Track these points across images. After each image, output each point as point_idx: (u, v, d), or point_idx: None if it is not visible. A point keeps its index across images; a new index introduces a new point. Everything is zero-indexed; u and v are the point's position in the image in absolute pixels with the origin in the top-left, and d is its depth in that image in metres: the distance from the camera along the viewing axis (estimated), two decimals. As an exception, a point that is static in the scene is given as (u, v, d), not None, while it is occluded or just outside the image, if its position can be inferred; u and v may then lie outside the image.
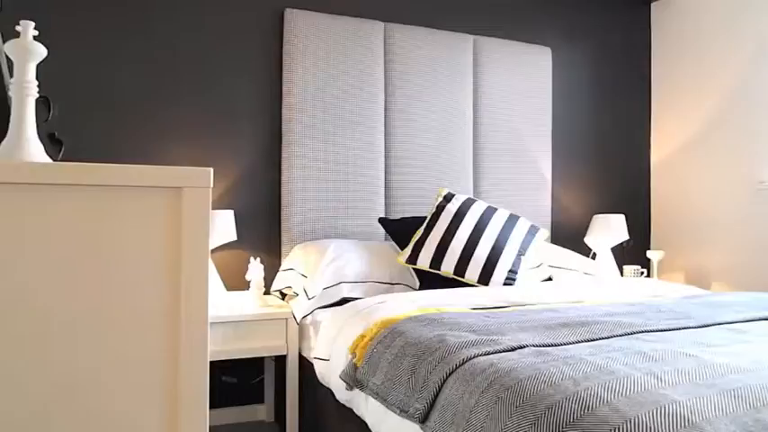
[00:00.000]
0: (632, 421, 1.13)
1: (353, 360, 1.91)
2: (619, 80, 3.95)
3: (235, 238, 2.73)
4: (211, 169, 0.96)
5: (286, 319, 2.53)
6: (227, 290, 2.82)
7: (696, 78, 3.74)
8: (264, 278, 2.77)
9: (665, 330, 1.82)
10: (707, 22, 3.67)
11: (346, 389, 1.94)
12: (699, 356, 1.49)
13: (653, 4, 4.04)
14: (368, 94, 3.08)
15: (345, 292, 2.54)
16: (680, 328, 1.85)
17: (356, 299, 2.44)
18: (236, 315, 2.44)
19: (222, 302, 2.59)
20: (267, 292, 2.91)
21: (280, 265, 2.94)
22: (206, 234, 0.96)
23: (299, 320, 2.50)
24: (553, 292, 2.46)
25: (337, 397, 2.06)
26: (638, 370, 1.36)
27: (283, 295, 2.86)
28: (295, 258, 2.76)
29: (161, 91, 2.79)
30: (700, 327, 1.89)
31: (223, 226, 2.66)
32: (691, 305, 2.16)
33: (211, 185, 0.97)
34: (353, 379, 1.87)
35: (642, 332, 1.78)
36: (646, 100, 4.05)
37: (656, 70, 4.02)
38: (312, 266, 2.60)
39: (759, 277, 3.34)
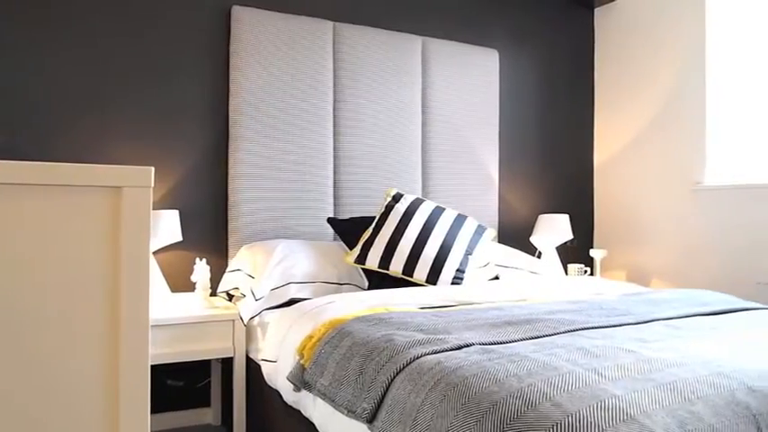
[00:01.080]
0: (573, 416, 1.15)
1: (301, 361, 1.90)
2: (564, 83, 4.04)
3: (180, 238, 2.67)
4: (152, 168, 0.93)
5: (233, 320, 2.49)
6: (172, 291, 2.76)
7: (636, 83, 3.85)
8: (211, 279, 2.72)
9: (606, 327, 1.87)
10: (646, 28, 3.79)
11: (294, 390, 1.93)
12: (637, 352, 1.54)
13: (596, 10, 4.15)
14: (317, 93, 3.07)
15: (293, 292, 2.52)
16: (620, 325, 1.90)
17: (304, 299, 2.43)
18: (181, 317, 2.39)
19: (167, 304, 2.54)
20: (213, 294, 2.87)
21: (226, 265, 2.90)
22: (146, 234, 0.94)
23: (246, 322, 2.47)
24: (499, 290, 2.50)
25: (285, 399, 2.04)
26: (579, 366, 1.40)
27: (230, 296, 2.82)
28: (242, 259, 2.73)
29: (102, 90, 2.71)
30: (639, 323, 1.95)
31: (168, 226, 2.60)
32: (630, 302, 2.22)
33: (152, 185, 0.94)
34: (301, 380, 1.86)
35: (584, 329, 1.82)
36: (589, 102, 4.16)
37: (599, 74, 4.14)
38: (260, 267, 2.57)
39: (695, 274, 3.47)
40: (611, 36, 4.04)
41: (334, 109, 3.14)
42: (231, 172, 2.90)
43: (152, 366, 2.44)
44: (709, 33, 3.41)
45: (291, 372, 1.92)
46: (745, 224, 3.21)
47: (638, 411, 1.19)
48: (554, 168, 4.00)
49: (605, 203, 4.08)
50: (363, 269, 2.70)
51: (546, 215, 3.64)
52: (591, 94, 4.16)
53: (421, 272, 2.64)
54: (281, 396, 2.09)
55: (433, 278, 2.64)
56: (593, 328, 1.85)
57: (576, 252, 3.99)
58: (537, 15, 3.93)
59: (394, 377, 1.52)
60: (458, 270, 2.70)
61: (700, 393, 1.29)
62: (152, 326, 2.30)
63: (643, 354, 1.52)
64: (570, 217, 3.93)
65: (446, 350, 1.57)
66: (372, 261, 2.65)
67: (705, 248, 3.41)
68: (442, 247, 2.70)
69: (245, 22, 2.91)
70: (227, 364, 2.73)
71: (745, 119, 3.38)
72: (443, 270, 2.66)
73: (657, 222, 3.70)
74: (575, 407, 1.18)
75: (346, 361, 1.70)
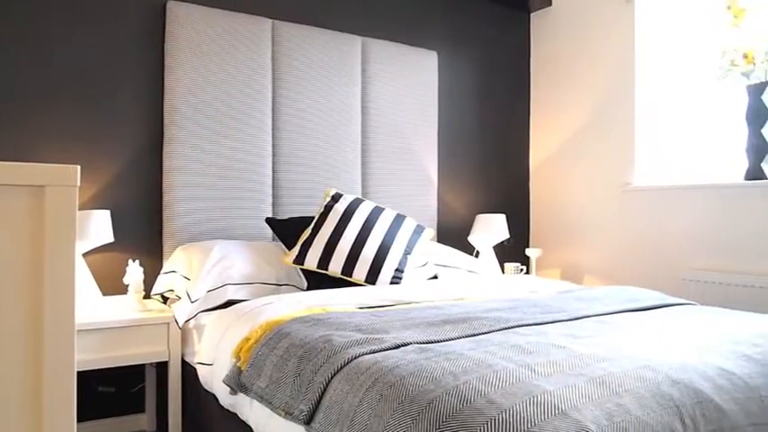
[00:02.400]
0: (507, 412, 1.18)
1: (237, 364, 1.87)
2: (501, 85, 4.12)
3: (111, 239, 2.59)
4: (78, 166, 0.90)
5: (167, 323, 2.43)
6: (104, 294, 2.67)
7: (569, 87, 3.97)
8: (145, 282, 2.65)
9: (539, 324, 1.91)
10: (579, 34, 3.90)
11: (230, 393, 1.90)
12: (569, 348, 1.58)
13: (533, 14, 4.25)
14: (255, 92, 3.02)
15: (230, 294, 2.48)
16: (553, 322, 1.96)
17: (242, 301, 2.39)
18: (112, 321, 2.32)
19: (97, 308, 2.45)
20: (147, 296, 2.79)
21: (161, 267, 2.82)
22: (72, 235, 0.90)
23: (181, 325, 2.41)
24: (438, 289, 2.52)
25: (221, 402, 2.01)
26: (513, 362, 1.43)
27: (165, 299, 2.75)
28: (178, 260, 2.67)
29: (30, 88, 2.60)
30: (571, 319, 2.01)
31: (98, 227, 2.52)
32: (563, 300, 2.29)
33: (78, 184, 0.91)
34: (237, 383, 1.83)
35: (519, 326, 1.86)
36: (526, 105, 4.25)
37: (535, 77, 4.24)
38: (195, 268, 2.52)
39: (625, 271, 3.59)
40: (547, 40, 4.14)
41: (273, 108, 3.10)
42: (166, 171, 2.83)
43: (82, 372, 2.35)
44: (638, 40, 3.54)
45: (228, 375, 1.89)
46: (671, 223, 3.35)
47: (569, 406, 1.22)
48: (491, 169, 4.08)
49: (541, 204, 4.18)
50: (302, 270, 2.68)
51: (483, 215, 3.70)
52: (527, 96, 4.26)
53: (360, 272, 2.64)
54: (217, 400, 2.05)
55: (372, 278, 2.65)
56: (527, 325, 1.89)
57: (513, 251, 4.08)
58: (476, 18, 3.99)
59: (331, 378, 1.51)
60: (397, 270, 2.71)
61: (627, 386, 1.34)
62: (82, 330, 2.22)
63: (574, 349, 1.57)
64: (507, 217, 4.00)
65: (383, 350, 1.58)
66: (311, 261, 2.63)
67: (634, 247, 3.54)
68: (381, 246, 2.71)
69: (181, 19, 2.84)
70: (161, 368, 2.66)
71: (672, 123, 3.53)
72: (382, 270, 2.67)
73: (590, 222, 3.82)
74: (508, 403, 1.21)
75: (283, 362, 1.68)
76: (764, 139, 2.93)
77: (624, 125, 3.61)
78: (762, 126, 2.93)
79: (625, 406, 1.27)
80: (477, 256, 3.73)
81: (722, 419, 1.37)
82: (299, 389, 1.58)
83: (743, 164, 3.04)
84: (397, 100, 3.52)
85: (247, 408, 1.83)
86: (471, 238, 3.70)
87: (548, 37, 4.13)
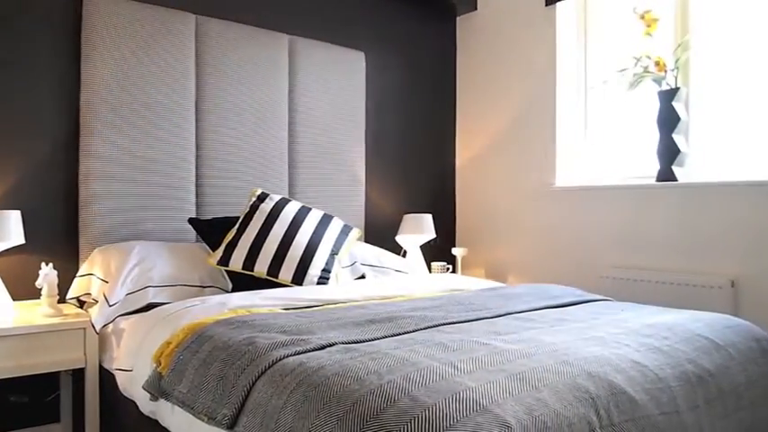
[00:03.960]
0: (430, 410, 1.19)
1: (158, 369, 1.81)
2: (428, 86, 4.17)
3: (22, 241, 2.46)
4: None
5: (84, 328, 2.33)
6: (14, 299, 2.53)
7: (494, 89, 4.06)
8: (59, 285, 2.53)
9: (463, 322, 1.95)
10: (503, 38, 4.00)
11: (150, 400, 1.84)
12: (491, 344, 1.62)
13: (458, 18, 4.32)
14: (177, 88, 2.94)
15: (151, 296, 2.40)
16: (477, 319, 2.00)
17: (163, 304, 2.32)
18: (24, 327, 2.20)
19: (7, 313, 2.32)
20: (63, 301, 2.66)
21: (77, 270, 2.70)
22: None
23: (98, 329, 2.32)
24: (365, 289, 2.53)
25: (141, 409, 1.95)
26: (437, 360, 1.45)
27: (81, 303, 2.63)
28: (95, 262, 2.56)
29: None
30: (494, 317, 2.05)
31: (7, 228, 2.38)
32: (487, 297, 2.34)
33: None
34: (158, 389, 1.78)
35: (443, 324, 1.89)
36: (451, 106, 4.32)
37: (461, 79, 4.31)
38: (114, 271, 2.43)
39: (547, 269, 3.71)
40: (472, 44, 4.23)
41: (196, 105, 3.03)
42: (83, 170, 2.71)
43: (-11, 382, 2.23)
44: (559, 44, 3.66)
45: (148, 380, 1.84)
46: (590, 223, 3.48)
47: (490, 401, 1.25)
48: (418, 169, 4.12)
49: (466, 203, 4.26)
50: (227, 271, 2.63)
51: (410, 215, 3.74)
52: (453, 97, 4.33)
53: (286, 272, 2.61)
54: (137, 407, 1.98)
55: (298, 279, 2.63)
56: (451, 323, 1.92)
57: (439, 250, 4.14)
58: (403, 20, 4.03)
59: (255, 381, 1.49)
60: (323, 270, 2.70)
61: (546, 381, 1.38)
62: (-12, 338, 2.10)
63: (497, 346, 1.61)
64: (433, 216, 4.05)
65: (309, 351, 1.57)
66: (236, 262, 2.59)
67: (556, 245, 3.66)
68: (307, 247, 2.69)
69: (99, 11, 2.73)
70: (78, 375, 2.55)
71: (591, 126, 3.67)
72: (309, 270, 2.65)
73: (513, 221, 3.92)
74: (431, 400, 1.22)
75: (206, 366, 1.65)
76: (675, 143, 3.08)
77: (546, 127, 3.72)
78: (672, 130, 3.09)
79: (544, 400, 1.31)
80: (404, 255, 3.77)
81: (634, 410, 1.44)
82: (222, 393, 1.55)
83: (655, 166, 3.19)
84: (324, 99, 3.50)
85: (169, 414, 1.78)
86: (399, 238, 3.73)
87: (473, 40, 4.22)
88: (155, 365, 1.85)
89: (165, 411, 1.80)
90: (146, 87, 2.85)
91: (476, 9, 4.17)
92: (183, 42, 2.96)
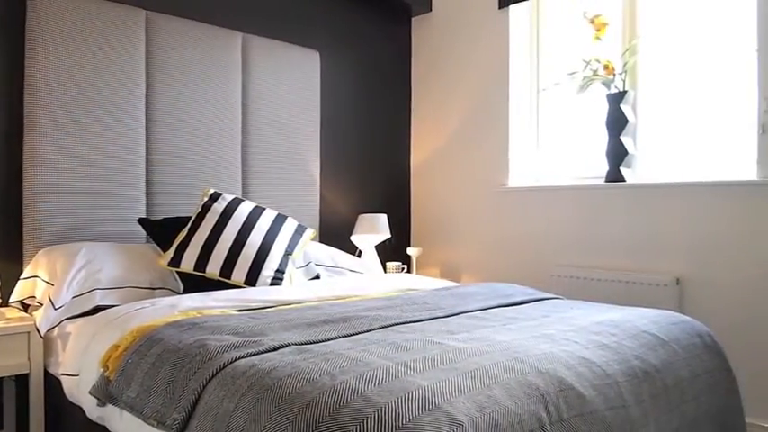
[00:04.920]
0: (383, 409, 1.19)
1: (106, 373, 1.77)
2: (383, 86, 4.18)
3: (-39, 243, 2.37)
4: None
5: (28, 332, 2.25)
6: (-47, 303, 2.44)
7: (448, 90, 4.09)
8: (2, 288, 2.45)
9: (417, 321, 1.96)
10: (457, 40, 4.04)
11: (98, 405, 1.79)
12: (444, 343, 1.63)
13: (413, 19, 4.34)
14: (126, 86, 2.87)
15: (98, 299, 2.34)
16: (430, 319, 2.01)
17: (111, 306, 2.26)
18: (-38, 332, 2.12)
19: (-56, 318, 2.24)
20: (5, 304, 2.57)
21: (21, 272, 2.61)
22: None
23: (43, 333, 2.25)
24: (319, 290, 2.52)
25: (88, 415, 1.89)
26: (390, 360, 1.45)
27: (25, 306, 2.55)
28: (39, 264, 2.48)
29: None
30: (447, 316, 2.07)
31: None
32: (440, 297, 2.36)
33: None
34: (106, 393, 1.73)
35: (397, 324, 1.90)
36: (407, 106, 4.34)
37: (416, 79, 4.33)
38: (60, 273, 2.36)
39: (500, 268, 3.76)
40: (427, 44, 4.25)
41: (146, 102, 2.96)
42: (27, 168, 2.62)
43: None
44: (512, 47, 3.72)
45: (95, 385, 1.79)
46: (541, 222, 3.55)
47: (443, 399, 1.25)
48: (373, 169, 4.12)
49: (421, 203, 4.28)
50: (178, 272, 2.58)
51: (366, 215, 3.74)
52: (408, 98, 4.35)
53: (239, 273, 2.58)
54: (84, 412, 1.92)
55: (251, 279, 2.60)
56: (405, 322, 1.93)
57: (394, 250, 4.15)
58: (358, 19, 4.02)
59: (206, 383, 1.47)
60: (277, 270, 2.68)
61: (497, 378, 1.40)
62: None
63: (449, 345, 1.62)
64: (388, 216, 4.07)
65: (261, 352, 1.55)
66: (187, 263, 2.54)
67: (509, 245, 3.72)
68: (261, 247, 2.66)
69: (44, 5, 2.64)
70: (22, 381, 2.46)
71: (542, 126, 3.73)
72: (262, 271, 2.62)
73: (467, 221, 3.96)
74: (384, 400, 1.22)
75: (155, 370, 1.61)
76: (622, 145, 3.16)
77: (499, 128, 3.77)
78: (620, 132, 3.17)
79: (495, 397, 1.33)
80: (359, 255, 3.77)
81: (583, 405, 1.47)
82: (171, 396, 1.52)
83: (605, 167, 3.27)
84: (278, 98, 3.47)
85: (117, 419, 1.74)
86: (354, 238, 3.72)
87: (428, 41, 4.24)
88: (102, 370, 1.80)
89: (113, 417, 1.76)
90: (94, 83, 2.77)
91: (431, 10, 4.20)
92: (132, 38, 2.89)
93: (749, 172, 2.85)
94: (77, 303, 2.30)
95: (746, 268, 2.79)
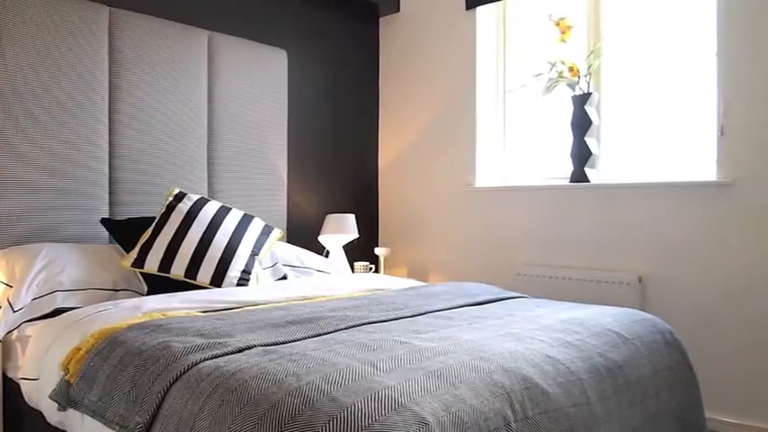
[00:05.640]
0: (349, 409, 1.19)
1: (66, 377, 1.73)
2: (351, 87, 4.17)
3: None
4: None
5: (-15, 336, 2.20)
6: None
7: (415, 91, 4.11)
8: (-43, 291, 2.38)
9: (384, 321, 1.96)
10: (424, 41, 4.05)
11: (59, 409, 1.75)
12: (410, 343, 1.63)
13: (381, 19, 4.35)
14: (89, 83, 2.81)
15: (60, 301, 2.28)
16: (397, 318, 2.01)
17: (73, 309, 2.22)
18: None
19: None
20: (-39, 307, 2.50)
21: (-22, 274, 2.54)
22: None
23: (1, 337, 2.19)
24: (286, 290, 2.50)
25: (48, 420, 1.85)
26: (357, 360, 1.45)
27: (-17, 309, 2.48)
28: (-3, 266, 2.42)
29: None
30: (414, 316, 2.08)
31: None
32: (408, 296, 2.36)
33: None
34: (66, 397, 1.70)
35: (364, 324, 1.90)
36: (374, 106, 4.34)
37: (384, 80, 4.34)
38: (19, 275, 2.30)
39: (467, 268, 3.79)
40: (395, 45, 4.26)
41: (109, 101, 2.90)
42: (-17, 168, 2.55)
43: None
44: (479, 48, 3.74)
45: (55, 389, 1.75)
46: (507, 222, 3.58)
47: (409, 399, 1.26)
48: (341, 169, 4.11)
49: (389, 204, 4.29)
50: (142, 273, 2.54)
51: (333, 215, 3.73)
52: (376, 98, 4.35)
53: (205, 274, 2.55)
54: (44, 417, 1.88)
55: (217, 280, 2.57)
56: (372, 322, 1.93)
57: (362, 250, 4.15)
58: (326, 19, 4.01)
59: (170, 386, 1.45)
60: (243, 271, 2.65)
61: (463, 378, 1.41)
62: None
63: (416, 344, 1.62)
64: (356, 216, 4.07)
65: (226, 354, 1.53)
66: (152, 264, 2.50)
67: (476, 244, 3.74)
68: (227, 248, 2.63)
69: (5, 3, 2.57)
70: (-22, 386, 2.40)
71: (509, 127, 3.77)
72: (228, 272, 2.60)
73: (435, 221, 3.98)
74: (350, 400, 1.22)
75: (118, 373, 1.58)
76: (587, 146, 3.21)
77: (467, 128, 3.80)
78: (584, 134, 3.22)
79: (461, 396, 1.33)
80: (327, 255, 3.75)
81: (547, 402, 1.49)
82: (134, 400, 1.49)
83: (569, 167, 3.31)
84: (245, 98, 3.44)
85: (78, 424, 1.70)
86: (321, 238, 3.71)
87: (396, 41, 4.25)
88: (63, 373, 1.76)
89: (74, 421, 1.72)
90: (54, 82, 2.71)
91: (398, 11, 4.21)
92: (95, 35, 2.84)
93: (709, 173, 2.92)
94: (37, 306, 2.25)
95: (706, 267, 2.86)
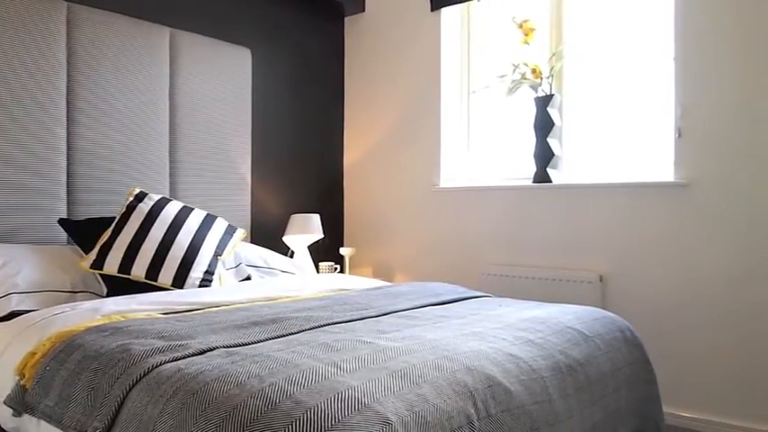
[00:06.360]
0: (312, 411, 1.18)
1: (22, 381, 1.69)
2: (317, 86, 4.15)
3: None
4: None
5: (-64, 341, 2.12)
6: None
7: (381, 91, 4.11)
8: None
9: (348, 321, 1.96)
10: (389, 41, 4.06)
11: (13, 415, 1.70)
12: (374, 343, 1.63)
13: (346, 18, 4.34)
14: (46, 80, 2.74)
15: (15, 304, 2.22)
16: (361, 318, 2.01)
17: (29, 311, 2.16)
18: None
19: None
20: None
21: (-72, 277, 2.46)
22: None
23: (-47, 341, 2.12)
24: (250, 291, 2.48)
25: (3, 426, 1.80)
26: (320, 361, 1.44)
27: (-67, 313, 2.40)
28: (-51, 268, 2.34)
29: None
30: (379, 315, 2.08)
31: None
32: (372, 296, 2.36)
33: None
34: (22, 403, 1.65)
35: (328, 324, 1.89)
36: (340, 106, 4.33)
37: (349, 79, 4.33)
38: (-28, 277, 2.23)
39: (432, 267, 3.81)
40: (360, 45, 4.26)
41: (67, 99, 2.83)
42: (-66, 167, 2.47)
43: None
44: (444, 49, 3.76)
45: (10, 395, 1.70)
46: (472, 222, 3.61)
47: (372, 399, 1.26)
48: (306, 169, 4.09)
49: (354, 204, 4.28)
50: (101, 275, 2.49)
51: (298, 215, 3.71)
52: (342, 98, 4.34)
53: (166, 275, 2.51)
54: (-2, 423, 1.83)
55: (179, 282, 2.53)
56: (336, 323, 1.92)
57: (328, 250, 4.13)
58: (290, 18, 3.98)
59: (130, 390, 1.42)
60: (206, 272, 2.62)
61: (426, 377, 1.41)
62: None
63: (380, 344, 1.62)
64: (321, 216, 4.05)
65: (188, 356, 1.51)
66: (111, 265, 2.45)
67: (441, 244, 3.76)
68: (189, 248, 2.60)
69: (-48, -7, 2.50)
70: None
71: (474, 128, 3.80)
72: (191, 272, 2.56)
73: (400, 221, 3.99)
74: (313, 401, 1.21)
75: (75, 377, 1.55)
76: (549, 147, 3.26)
77: (431, 129, 3.81)
78: (547, 135, 3.26)
79: (424, 395, 1.34)
80: (291, 256, 3.73)
81: (510, 400, 1.50)
82: (92, 404, 1.46)
83: (532, 168, 3.36)
84: (208, 96, 3.40)
85: (34, 429, 1.66)
86: (286, 239, 3.69)
87: (361, 41, 4.25)
88: (18, 378, 1.72)
89: (30, 427, 1.68)
90: (10, 80, 2.64)
91: (364, 11, 4.21)
92: (52, 31, 2.77)
93: (667, 174, 2.99)
94: (-9, 309, 2.18)
95: (664, 265, 2.92)
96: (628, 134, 3.18)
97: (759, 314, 2.68)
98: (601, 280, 3.08)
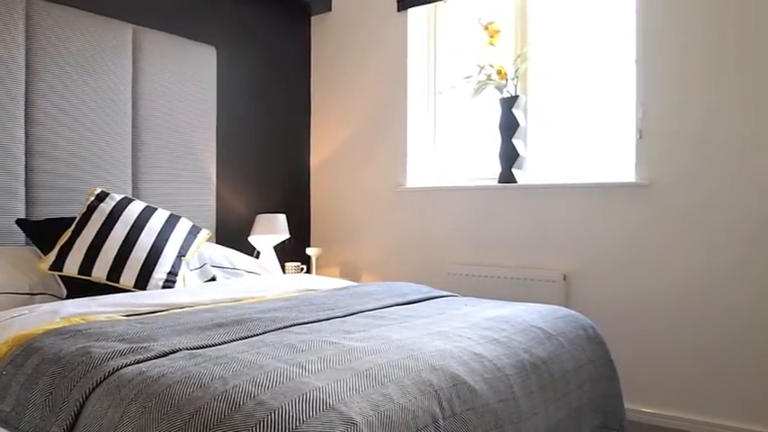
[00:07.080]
0: (276, 412, 1.18)
1: (-24, 386, 1.64)
2: (283, 85, 4.13)
3: None
4: None
5: None
6: None
7: (347, 91, 4.10)
8: None
9: (314, 322, 1.95)
10: (356, 41, 4.05)
11: (-32, 421, 1.66)
12: (340, 343, 1.63)
13: (313, 18, 4.32)
14: (3, 78, 2.67)
15: (-30, 307, 2.16)
16: (328, 319, 2.00)
17: (-16, 314, 2.10)
18: None
19: None
20: None
21: None
22: None
23: None
24: (214, 292, 2.45)
25: (-43, 432, 1.75)
26: (285, 362, 1.43)
27: None
28: None
29: None
30: (345, 316, 2.07)
31: None
32: (338, 296, 2.36)
33: None
34: (-24, 408, 1.60)
35: (294, 325, 1.88)
36: (306, 106, 4.31)
37: (315, 79, 4.31)
38: (-76, 279, 2.16)
39: (399, 267, 3.81)
40: (327, 44, 4.24)
41: (26, 96, 2.76)
42: None
43: None
44: (410, 49, 3.78)
45: (-36, 400, 1.65)
46: (438, 222, 3.63)
47: (337, 400, 1.25)
48: (272, 169, 4.07)
49: (320, 203, 4.27)
50: (61, 276, 2.43)
51: (264, 215, 3.68)
52: (308, 97, 4.32)
53: (128, 277, 2.46)
54: (-49, 430, 1.78)
55: (142, 283, 2.49)
56: (302, 323, 1.91)
57: (294, 251, 4.11)
58: (257, 16, 3.95)
59: (89, 394, 1.39)
60: (169, 273, 2.58)
61: (392, 377, 1.41)
62: None
63: (345, 345, 1.62)
64: (288, 216, 4.03)
65: (150, 359, 1.49)
66: (71, 267, 2.40)
67: (407, 244, 3.77)
68: (152, 249, 2.55)
69: None
70: None
71: (440, 128, 3.82)
72: (154, 274, 2.52)
73: (366, 221, 3.99)
74: (278, 403, 1.21)
75: (33, 381, 1.51)
76: (514, 147, 3.29)
77: (398, 129, 3.82)
78: (512, 135, 3.29)
79: (389, 395, 1.34)
80: (257, 256, 3.70)
81: (475, 399, 1.51)
82: (51, 409, 1.43)
83: (497, 168, 3.39)
84: (172, 94, 3.35)
85: (-11, 436, 1.62)
86: (252, 239, 3.66)
87: (327, 41, 4.23)
88: (-28, 383, 1.67)
89: (-15, 433, 1.63)
90: (-37, 74, 2.56)
91: (330, 10, 4.19)
92: (9, 27, 2.70)
93: (628, 174, 3.04)
94: (-56, 312, 2.12)
95: (626, 265, 2.98)
96: (591, 135, 3.23)
97: (718, 313, 2.75)
98: (564, 279, 3.12)
